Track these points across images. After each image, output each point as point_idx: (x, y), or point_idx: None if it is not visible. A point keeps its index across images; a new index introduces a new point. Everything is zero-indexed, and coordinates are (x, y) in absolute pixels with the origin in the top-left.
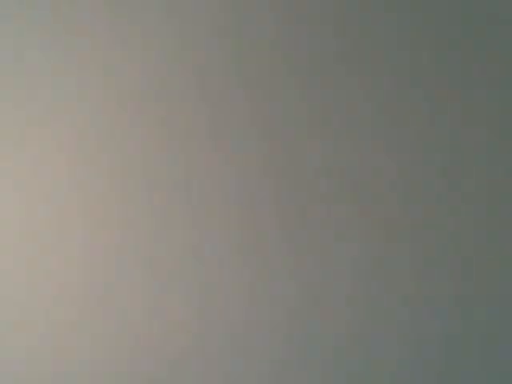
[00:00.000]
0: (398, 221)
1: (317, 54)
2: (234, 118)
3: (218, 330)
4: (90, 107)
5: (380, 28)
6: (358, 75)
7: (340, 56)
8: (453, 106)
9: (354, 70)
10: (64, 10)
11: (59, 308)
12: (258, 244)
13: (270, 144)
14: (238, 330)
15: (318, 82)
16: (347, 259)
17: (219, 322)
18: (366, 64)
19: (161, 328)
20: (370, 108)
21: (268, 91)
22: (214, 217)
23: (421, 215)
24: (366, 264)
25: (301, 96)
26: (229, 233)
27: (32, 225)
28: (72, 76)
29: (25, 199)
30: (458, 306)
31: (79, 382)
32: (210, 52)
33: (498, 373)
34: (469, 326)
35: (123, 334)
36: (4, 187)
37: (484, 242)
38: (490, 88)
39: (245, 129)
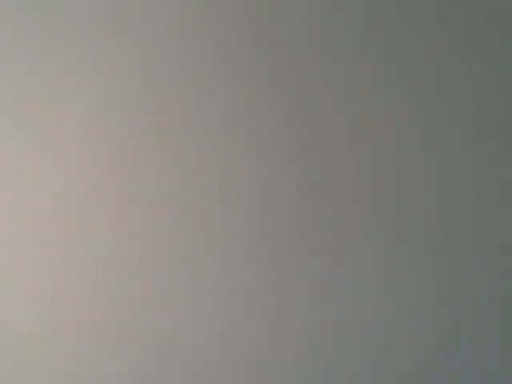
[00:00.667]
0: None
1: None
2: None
3: (226, 331)
4: (91, 106)
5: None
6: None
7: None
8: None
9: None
10: (63, 9)
11: (59, 307)
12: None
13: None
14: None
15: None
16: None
17: (228, 324)
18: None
19: (167, 330)
20: (381, 109)
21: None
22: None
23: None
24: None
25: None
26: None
27: (32, 225)
28: (71, 75)
29: (25, 198)
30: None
31: (79, 382)
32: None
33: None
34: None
35: (124, 334)
36: (4, 187)
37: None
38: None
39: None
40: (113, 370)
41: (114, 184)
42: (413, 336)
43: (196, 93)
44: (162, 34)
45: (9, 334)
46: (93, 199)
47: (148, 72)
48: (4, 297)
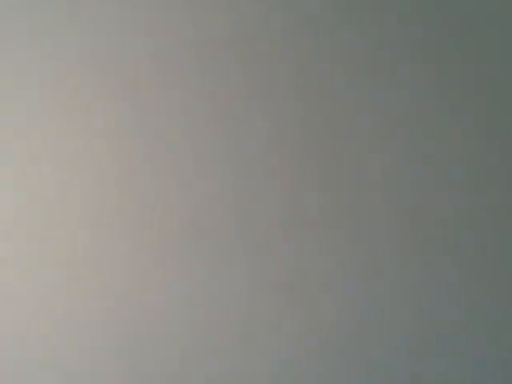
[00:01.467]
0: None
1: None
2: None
3: (222, 329)
4: (90, 107)
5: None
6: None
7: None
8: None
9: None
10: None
11: (59, 307)
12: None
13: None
14: (244, 329)
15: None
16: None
17: (224, 320)
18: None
19: (163, 328)
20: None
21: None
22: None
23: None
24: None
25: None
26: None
27: (32, 223)
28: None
29: (25, 197)
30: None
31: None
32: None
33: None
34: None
35: (123, 334)
36: (3, 186)
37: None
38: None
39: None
40: (113, 370)
41: (117, 187)
42: (414, 336)
43: (198, 92)
44: (165, 33)
45: (8, 335)
46: (95, 201)
47: (152, 73)
48: (3, 297)
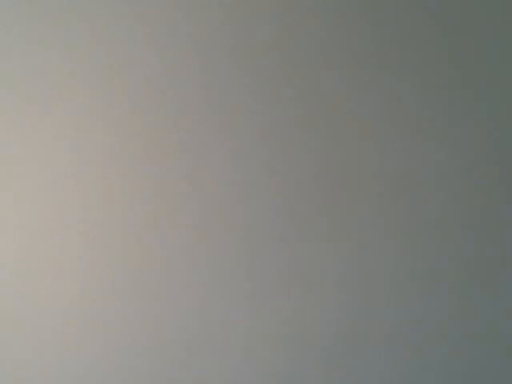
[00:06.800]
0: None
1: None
2: (237, 120)
3: (217, 334)
4: (90, 106)
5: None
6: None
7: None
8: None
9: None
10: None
11: (58, 308)
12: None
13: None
14: (239, 334)
15: (318, 83)
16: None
17: (218, 325)
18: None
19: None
20: (368, 109)
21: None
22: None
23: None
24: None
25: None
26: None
27: (30, 227)
28: (75, 73)
29: (24, 198)
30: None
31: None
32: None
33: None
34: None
35: (122, 337)
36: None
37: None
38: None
39: (246, 131)
40: (112, 372)
41: (118, 185)
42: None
43: (198, 94)
44: (165, 34)
45: (20, 335)
46: (95, 203)
47: (150, 72)
48: (17, 298)
